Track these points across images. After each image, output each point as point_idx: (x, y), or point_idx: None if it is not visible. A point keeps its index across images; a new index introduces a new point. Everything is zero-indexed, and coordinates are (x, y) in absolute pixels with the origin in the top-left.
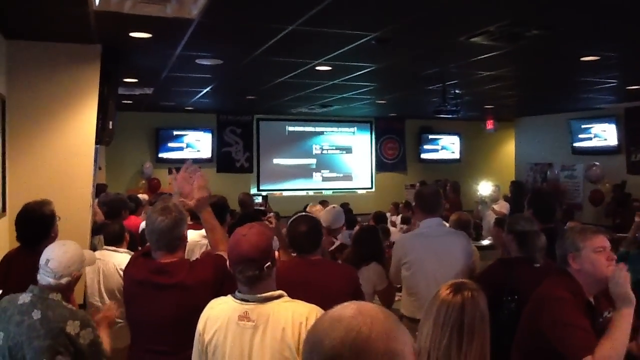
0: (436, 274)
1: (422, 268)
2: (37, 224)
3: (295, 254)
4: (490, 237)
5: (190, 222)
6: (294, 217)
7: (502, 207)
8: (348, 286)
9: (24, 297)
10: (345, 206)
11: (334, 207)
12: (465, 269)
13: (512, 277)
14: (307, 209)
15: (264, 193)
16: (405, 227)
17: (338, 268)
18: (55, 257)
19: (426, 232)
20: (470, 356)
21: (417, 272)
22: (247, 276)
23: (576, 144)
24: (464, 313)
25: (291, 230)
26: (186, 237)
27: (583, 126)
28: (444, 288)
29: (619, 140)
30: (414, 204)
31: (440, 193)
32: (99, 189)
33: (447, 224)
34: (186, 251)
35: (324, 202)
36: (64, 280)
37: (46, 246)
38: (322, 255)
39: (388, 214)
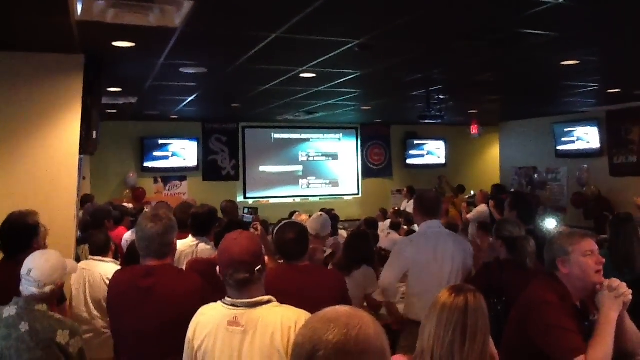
0: (439, 273)
1: (427, 267)
2: (19, 234)
3: (282, 261)
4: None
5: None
6: (281, 225)
7: (476, 212)
8: (337, 292)
9: (9, 310)
10: (329, 212)
11: (321, 214)
12: (466, 269)
13: (500, 280)
14: (294, 218)
15: (250, 201)
16: (393, 232)
17: (327, 274)
18: (36, 266)
19: (428, 232)
20: (472, 354)
21: (422, 271)
22: (237, 279)
23: (560, 148)
24: (467, 314)
25: (278, 238)
26: (175, 245)
27: (566, 130)
28: (445, 291)
29: (601, 143)
30: (414, 209)
31: (441, 198)
32: (85, 200)
33: None
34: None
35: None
36: (47, 289)
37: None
38: (310, 261)
39: None
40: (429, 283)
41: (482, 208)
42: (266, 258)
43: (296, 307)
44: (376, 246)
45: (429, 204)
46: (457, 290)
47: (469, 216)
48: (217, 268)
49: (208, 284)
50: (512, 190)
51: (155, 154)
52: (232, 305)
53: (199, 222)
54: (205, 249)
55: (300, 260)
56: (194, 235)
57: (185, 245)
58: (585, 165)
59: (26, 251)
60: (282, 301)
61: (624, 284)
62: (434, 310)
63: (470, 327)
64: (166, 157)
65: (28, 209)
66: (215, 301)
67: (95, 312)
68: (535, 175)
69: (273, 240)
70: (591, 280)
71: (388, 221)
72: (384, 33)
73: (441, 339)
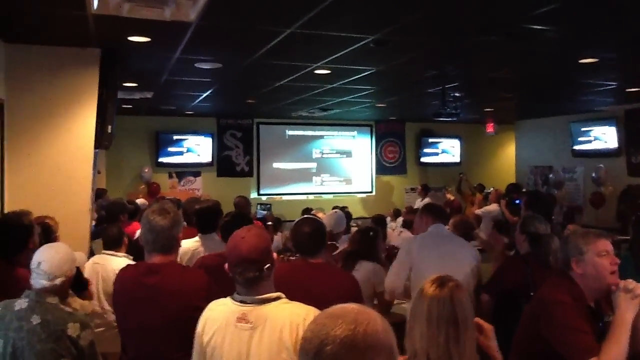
0: (443, 271)
1: (431, 264)
2: (14, 235)
3: (295, 256)
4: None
5: (186, 227)
6: (300, 219)
7: (485, 210)
8: (348, 293)
9: (21, 303)
10: (342, 209)
11: (335, 211)
12: (474, 269)
13: (526, 276)
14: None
15: (264, 197)
16: (405, 231)
17: (340, 274)
18: (46, 258)
19: (435, 232)
20: (467, 346)
21: (426, 268)
22: (246, 277)
23: (576, 147)
24: (454, 305)
25: (295, 231)
26: (180, 240)
27: (583, 129)
28: (428, 284)
29: (619, 142)
30: (421, 214)
31: (445, 208)
32: (98, 194)
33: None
34: (185, 259)
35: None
36: (58, 281)
37: (24, 257)
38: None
39: (388, 219)
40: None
41: (492, 207)
42: (275, 254)
43: (305, 303)
44: (385, 243)
45: (438, 209)
46: (439, 282)
47: (477, 211)
48: (226, 265)
49: (218, 277)
50: (524, 190)
51: (170, 149)
52: (241, 302)
53: (203, 219)
54: (212, 245)
55: (314, 257)
56: (201, 233)
57: (195, 242)
58: (602, 165)
59: (21, 252)
60: (292, 296)
61: None
62: (419, 306)
63: (461, 318)
64: (181, 153)
65: (22, 209)
66: (224, 296)
67: (107, 306)
68: (551, 175)
69: (290, 234)
70: (606, 281)
71: (400, 219)
72: (399, 29)
73: (435, 339)
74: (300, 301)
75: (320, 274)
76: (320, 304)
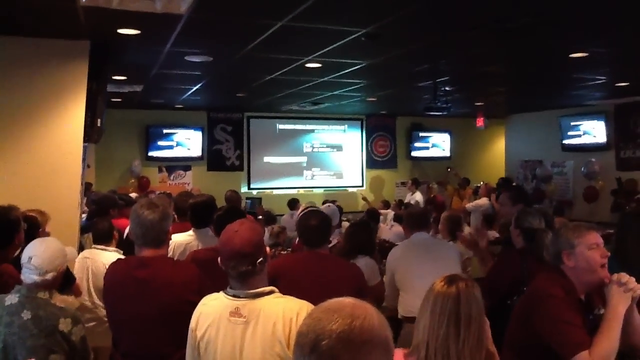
0: (431, 272)
1: (417, 269)
2: (1, 230)
3: (287, 250)
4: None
5: (178, 222)
6: (306, 211)
7: (475, 204)
8: (355, 283)
9: (11, 298)
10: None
11: (329, 205)
12: (460, 264)
13: (522, 271)
14: (299, 210)
15: (254, 192)
16: (396, 225)
17: (347, 264)
18: (37, 253)
19: (417, 240)
20: (468, 344)
21: (413, 272)
22: (239, 271)
23: (566, 141)
24: (459, 303)
25: (301, 224)
26: (170, 233)
27: (573, 123)
28: (439, 281)
29: (608, 137)
30: (403, 225)
31: (429, 213)
32: (84, 188)
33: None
34: (178, 252)
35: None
36: (49, 276)
37: (9, 253)
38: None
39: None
40: (419, 280)
41: (483, 201)
42: (267, 249)
43: (311, 293)
44: (377, 237)
45: (417, 217)
46: (449, 280)
47: (467, 206)
48: (219, 259)
49: (210, 271)
50: (514, 184)
51: (160, 143)
52: (234, 296)
53: (198, 213)
54: (207, 240)
55: (320, 248)
56: (195, 227)
57: (188, 236)
58: (594, 159)
59: (7, 247)
60: (299, 284)
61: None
62: (427, 301)
63: (464, 316)
64: (171, 147)
65: (9, 204)
66: (217, 291)
67: (97, 301)
68: (538, 169)
69: (296, 226)
70: (596, 273)
71: (392, 213)
72: (390, 22)
73: (435, 331)
74: (309, 290)
75: (329, 264)
76: (329, 293)
